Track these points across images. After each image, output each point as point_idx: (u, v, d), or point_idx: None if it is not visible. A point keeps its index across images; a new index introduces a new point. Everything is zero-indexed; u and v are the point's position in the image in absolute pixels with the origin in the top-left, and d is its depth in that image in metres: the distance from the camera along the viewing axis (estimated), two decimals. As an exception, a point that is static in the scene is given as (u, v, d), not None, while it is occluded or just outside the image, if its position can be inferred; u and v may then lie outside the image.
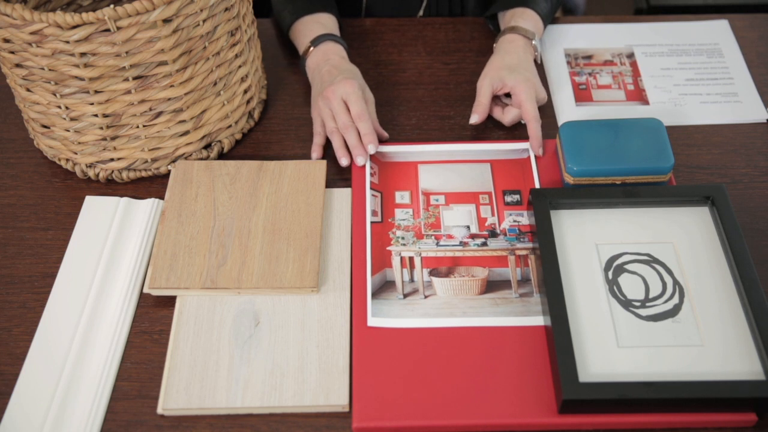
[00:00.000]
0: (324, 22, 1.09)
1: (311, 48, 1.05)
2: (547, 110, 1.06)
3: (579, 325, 0.78)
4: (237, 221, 0.89)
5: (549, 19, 1.13)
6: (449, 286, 0.85)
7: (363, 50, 1.16)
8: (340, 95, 0.97)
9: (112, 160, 0.95)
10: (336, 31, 1.09)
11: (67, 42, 0.81)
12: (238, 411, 0.76)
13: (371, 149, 0.95)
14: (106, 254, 0.88)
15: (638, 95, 1.08)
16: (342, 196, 0.94)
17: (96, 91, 0.87)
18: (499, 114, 1.02)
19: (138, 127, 0.92)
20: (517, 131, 1.03)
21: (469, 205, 0.93)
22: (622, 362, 0.76)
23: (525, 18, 1.08)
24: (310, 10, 1.10)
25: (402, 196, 0.94)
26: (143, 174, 0.96)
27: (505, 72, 1.00)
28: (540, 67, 1.12)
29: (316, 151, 0.99)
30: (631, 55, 1.14)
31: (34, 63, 0.84)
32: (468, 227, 0.91)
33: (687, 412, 0.74)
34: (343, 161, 0.96)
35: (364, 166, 0.96)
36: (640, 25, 1.19)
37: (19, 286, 0.87)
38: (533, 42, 1.06)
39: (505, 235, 0.90)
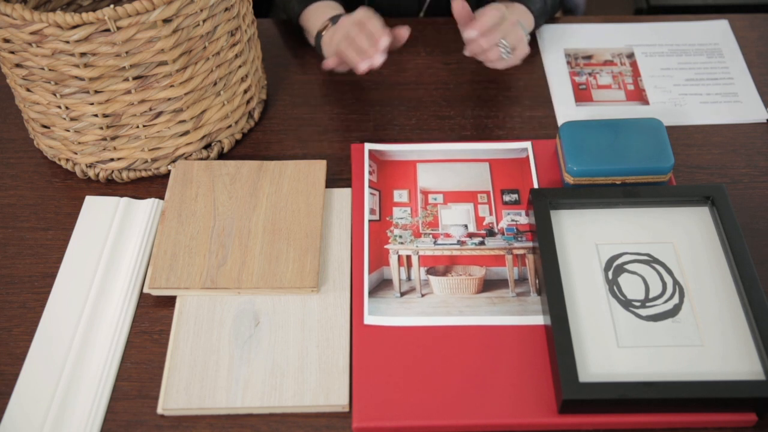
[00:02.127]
0: (334, 8, 1.10)
1: (329, 24, 1.05)
2: (547, 110, 1.06)
3: (579, 325, 0.78)
4: (237, 221, 0.89)
5: (541, 20, 1.13)
6: (446, 285, 0.85)
7: (363, 50, 1.16)
8: (356, 19, 0.96)
9: (112, 160, 0.95)
10: None
11: (67, 42, 0.81)
12: (238, 411, 0.76)
13: (384, 42, 0.92)
14: (106, 254, 0.88)
15: (638, 95, 1.08)
16: (342, 196, 0.94)
17: (96, 91, 0.87)
18: (495, 56, 0.98)
19: (138, 127, 0.92)
20: (516, 131, 1.03)
21: (467, 204, 0.93)
22: (622, 362, 0.76)
23: (517, 11, 1.07)
24: None
25: (400, 195, 0.94)
26: (143, 174, 0.96)
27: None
28: (540, 67, 1.12)
29: (329, 63, 1.00)
30: (631, 55, 1.14)
31: (34, 63, 0.84)
32: (466, 226, 0.91)
33: (687, 412, 0.74)
34: (362, 65, 0.94)
35: (362, 165, 0.95)
36: (640, 25, 1.19)
37: (19, 286, 0.87)
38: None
39: (503, 234, 0.90)
